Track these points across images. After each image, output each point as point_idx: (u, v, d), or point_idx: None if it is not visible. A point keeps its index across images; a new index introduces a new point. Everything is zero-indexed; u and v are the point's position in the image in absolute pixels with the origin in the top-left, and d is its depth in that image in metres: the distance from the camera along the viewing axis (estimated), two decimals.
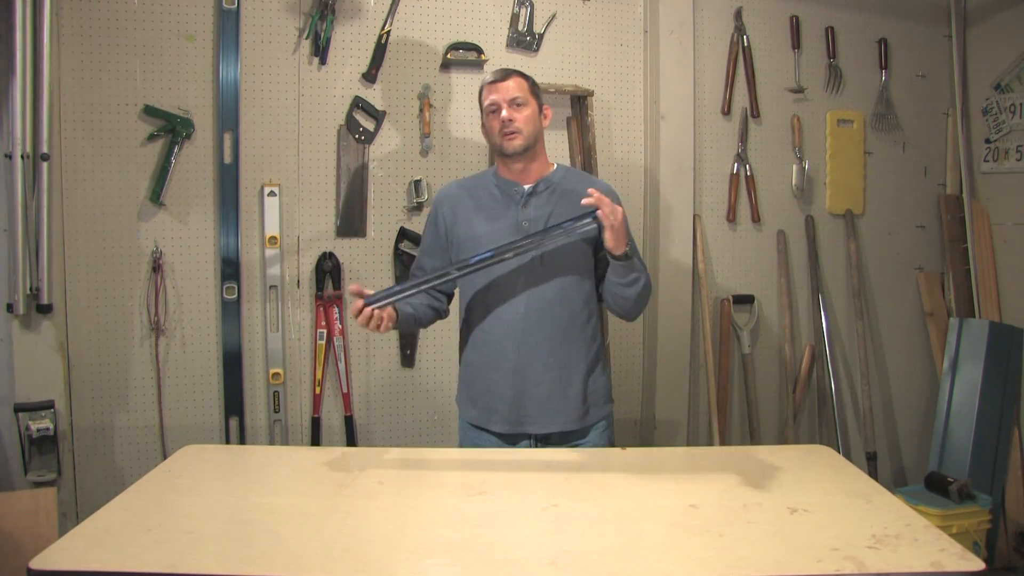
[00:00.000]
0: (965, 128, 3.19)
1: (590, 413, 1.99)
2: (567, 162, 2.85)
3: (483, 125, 2.02)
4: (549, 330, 1.93)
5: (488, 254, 1.83)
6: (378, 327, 1.77)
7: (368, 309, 1.75)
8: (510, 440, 1.97)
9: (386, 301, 1.78)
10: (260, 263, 2.68)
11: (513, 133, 1.92)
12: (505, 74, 1.97)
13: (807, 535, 1.40)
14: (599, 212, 1.75)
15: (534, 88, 2.00)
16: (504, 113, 1.92)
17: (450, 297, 2.10)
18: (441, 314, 2.07)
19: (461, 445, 2.08)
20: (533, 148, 1.96)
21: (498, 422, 1.96)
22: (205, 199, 2.63)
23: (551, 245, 1.85)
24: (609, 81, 2.95)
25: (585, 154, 2.85)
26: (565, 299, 1.94)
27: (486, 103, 1.97)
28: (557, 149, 2.87)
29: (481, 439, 2.00)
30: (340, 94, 2.72)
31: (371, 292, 1.77)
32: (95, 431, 2.58)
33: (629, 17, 2.98)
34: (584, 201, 1.75)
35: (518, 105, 1.94)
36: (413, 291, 1.83)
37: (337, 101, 2.72)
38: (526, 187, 1.97)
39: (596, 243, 1.94)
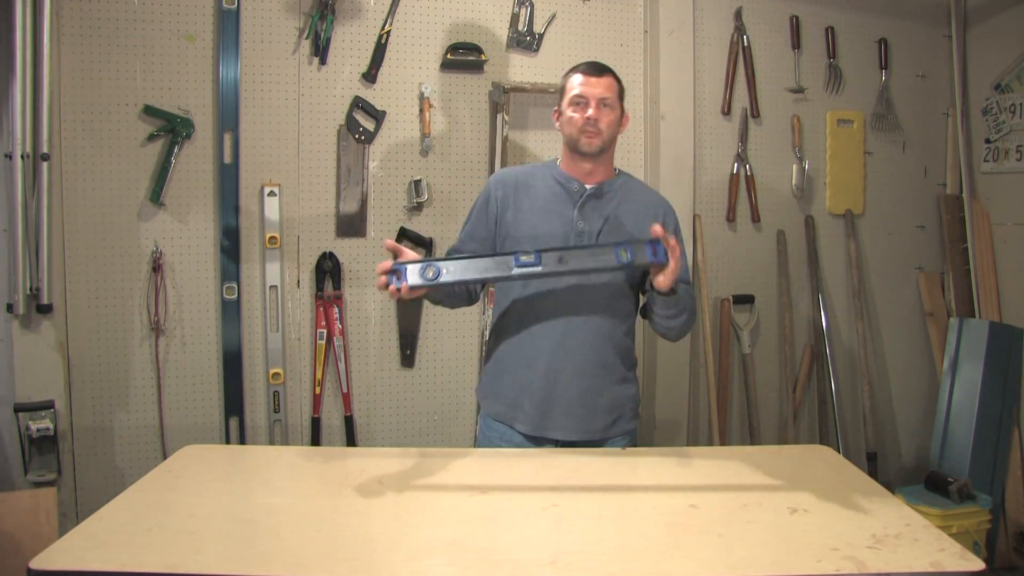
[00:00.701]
0: (965, 128, 3.18)
1: (616, 425, 1.95)
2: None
3: (558, 111, 1.93)
4: (588, 336, 1.88)
5: (533, 266, 1.67)
6: (395, 297, 1.67)
7: (391, 287, 1.63)
8: (533, 443, 1.92)
9: (418, 284, 1.64)
10: (260, 263, 2.68)
11: (595, 133, 1.86)
12: (600, 70, 1.88)
13: (807, 535, 1.39)
14: (671, 252, 1.67)
15: (622, 93, 1.93)
16: (591, 112, 1.84)
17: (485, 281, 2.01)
18: (473, 297, 2.00)
19: (479, 441, 2.03)
20: (607, 151, 1.91)
21: (523, 421, 1.91)
22: (205, 199, 2.63)
23: (599, 266, 1.71)
24: None
25: None
26: (609, 307, 1.89)
27: (572, 93, 1.87)
28: (557, 148, 2.85)
29: (505, 436, 1.94)
30: (340, 94, 2.72)
31: (406, 260, 1.64)
32: (95, 431, 2.58)
33: (629, 17, 2.98)
34: (657, 233, 1.67)
35: (606, 106, 1.86)
36: (450, 283, 1.67)
37: (337, 101, 2.72)
38: (588, 187, 1.91)
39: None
